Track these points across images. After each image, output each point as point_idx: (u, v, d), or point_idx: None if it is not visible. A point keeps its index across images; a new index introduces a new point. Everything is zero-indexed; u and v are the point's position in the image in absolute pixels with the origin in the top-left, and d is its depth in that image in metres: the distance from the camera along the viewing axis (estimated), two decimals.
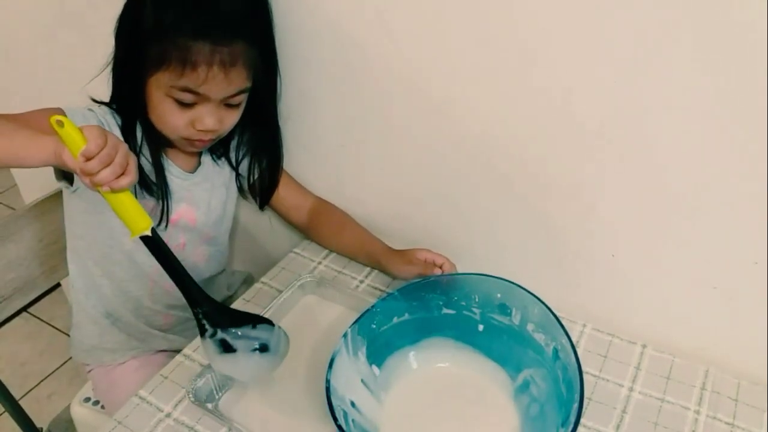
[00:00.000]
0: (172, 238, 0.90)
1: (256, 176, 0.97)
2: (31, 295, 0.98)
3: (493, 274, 0.75)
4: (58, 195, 0.95)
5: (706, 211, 0.72)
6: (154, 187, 0.84)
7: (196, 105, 0.78)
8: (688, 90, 0.66)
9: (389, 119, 0.88)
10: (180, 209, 0.90)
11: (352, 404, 0.68)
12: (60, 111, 0.76)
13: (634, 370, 0.79)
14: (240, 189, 0.99)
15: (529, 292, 0.72)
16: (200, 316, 0.70)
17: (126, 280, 0.93)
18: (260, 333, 0.72)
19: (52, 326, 1.77)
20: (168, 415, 0.73)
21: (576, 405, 0.60)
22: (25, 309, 1.00)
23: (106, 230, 0.88)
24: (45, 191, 0.97)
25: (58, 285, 1.06)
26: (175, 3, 0.74)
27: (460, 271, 0.85)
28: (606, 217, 0.79)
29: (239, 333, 0.71)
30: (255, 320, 0.73)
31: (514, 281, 0.73)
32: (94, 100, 0.83)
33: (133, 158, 0.63)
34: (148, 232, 0.65)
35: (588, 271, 0.84)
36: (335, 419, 0.61)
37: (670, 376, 0.78)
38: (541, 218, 0.84)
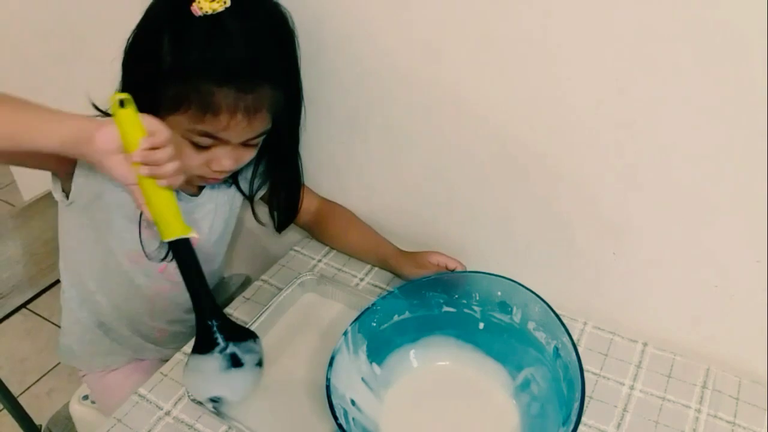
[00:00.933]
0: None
1: (274, 207, 0.94)
2: (30, 292, 0.98)
3: (493, 273, 0.75)
4: None
5: (708, 209, 0.72)
6: None
7: (213, 147, 0.74)
8: (690, 90, 0.65)
9: (393, 117, 0.88)
10: None
11: (353, 402, 0.68)
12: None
13: (635, 369, 0.79)
14: (254, 214, 0.95)
15: (529, 290, 0.71)
16: (215, 329, 0.68)
17: (125, 298, 0.90)
18: (258, 346, 0.72)
19: (52, 323, 1.77)
20: (167, 414, 0.72)
21: (577, 404, 0.60)
22: (24, 306, 0.99)
23: (102, 248, 0.84)
24: (44, 188, 0.96)
25: (57, 282, 1.06)
26: (196, 45, 0.68)
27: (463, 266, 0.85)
28: (607, 215, 0.79)
29: (248, 347, 0.71)
30: (251, 333, 0.73)
31: (515, 279, 0.73)
32: (97, 108, 0.78)
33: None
34: (193, 234, 0.64)
35: (589, 269, 0.84)
36: (335, 417, 0.61)
37: (671, 375, 0.78)
38: (542, 217, 0.83)
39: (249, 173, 0.90)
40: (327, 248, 0.99)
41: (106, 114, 0.78)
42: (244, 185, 0.91)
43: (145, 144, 0.59)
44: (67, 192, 0.77)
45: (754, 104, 0.63)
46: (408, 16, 0.77)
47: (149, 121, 0.59)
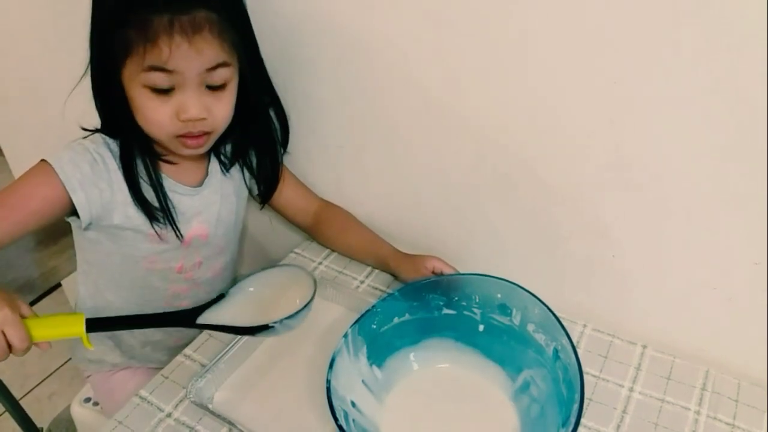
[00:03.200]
0: (188, 259, 0.88)
1: (255, 172, 0.93)
2: (31, 296, 0.98)
3: (493, 275, 0.75)
4: None
5: (707, 211, 0.72)
6: (159, 214, 0.81)
7: (175, 92, 0.73)
8: (687, 91, 0.66)
9: (389, 121, 0.88)
10: (191, 229, 0.86)
11: (353, 404, 0.68)
12: (46, 166, 0.74)
13: (634, 371, 0.79)
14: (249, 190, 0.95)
15: (529, 292, 0.72)
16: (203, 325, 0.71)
17: (143, 303, 0.90)
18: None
19: None
20: (168, 415, 0.73)
21: (576, 405, 0.60)
22: None
23: (118, 255, 0.85)
24: None
25: (58, 285, 1.06)
26: None
27: (460, 271, 0.85)
28: (606, 217, 0.79)
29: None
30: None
31: (515, 281, 0.73)
32: (85, 129, 0.80)
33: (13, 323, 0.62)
34: (83, 329, 0.64)
35: (588, 271, 0.84)
36: (336, 419, 0.61)
37: (671, 377, 0.78)
38: (542, 219, 0.84)
39: (228, 146, 0.90)
40: (327, 251, 0.99)
41: (94, 131, 0.80)
42: (226, 160, 0.90)
43: None
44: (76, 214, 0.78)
45: (754, 105, 0.63)
46: (404, 26, 0.78)
47: None
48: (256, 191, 0.95)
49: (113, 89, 0.75)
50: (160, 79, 0.71)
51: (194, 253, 0.89)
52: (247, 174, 0.93)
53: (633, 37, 0.65)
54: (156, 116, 0.74)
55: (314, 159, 0.99)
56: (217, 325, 0.70)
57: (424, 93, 0.82)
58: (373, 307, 0.74)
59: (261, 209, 1.00)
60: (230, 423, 0.70)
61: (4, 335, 0.61)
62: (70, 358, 1.64)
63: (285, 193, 0.97)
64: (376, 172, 0.95)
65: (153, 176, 0.80)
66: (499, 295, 0.74)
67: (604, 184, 0.76)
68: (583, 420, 0.72)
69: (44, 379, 1.64)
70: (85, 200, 0.76)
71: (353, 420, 0.66)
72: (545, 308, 0.70)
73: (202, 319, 0.70)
